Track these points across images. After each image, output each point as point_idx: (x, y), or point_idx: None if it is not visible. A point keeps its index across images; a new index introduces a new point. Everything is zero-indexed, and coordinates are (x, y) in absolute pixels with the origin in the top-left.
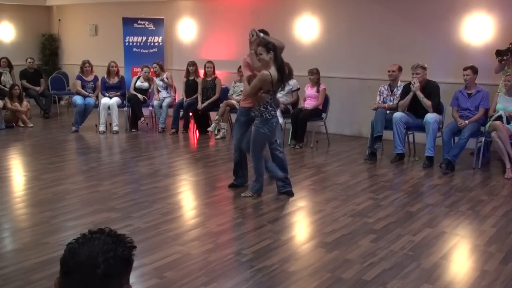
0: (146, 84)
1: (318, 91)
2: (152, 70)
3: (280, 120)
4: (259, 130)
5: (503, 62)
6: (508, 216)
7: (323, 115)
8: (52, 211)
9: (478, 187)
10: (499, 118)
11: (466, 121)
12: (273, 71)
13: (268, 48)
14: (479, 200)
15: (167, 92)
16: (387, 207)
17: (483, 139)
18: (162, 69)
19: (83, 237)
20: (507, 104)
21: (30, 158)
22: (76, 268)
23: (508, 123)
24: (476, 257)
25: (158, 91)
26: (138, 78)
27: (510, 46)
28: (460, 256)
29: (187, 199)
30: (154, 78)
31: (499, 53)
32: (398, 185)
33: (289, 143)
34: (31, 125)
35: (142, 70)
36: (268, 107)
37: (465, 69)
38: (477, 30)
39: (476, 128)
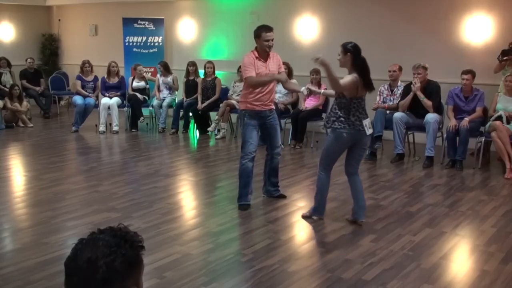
0: (142, 83)
1: None
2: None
3: (369, 131)
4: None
5: (503, 62)
6: (508, 216)
7: (323, 115)
8: (52, 211)
9: (478, 187)
10: (499, 118)
11: (466, 118)
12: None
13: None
14: (479, 200)
15: (169, 93)
16: (387, 207)
17: (483, 139)
18: (167, 70)
19: (90, 236)
20: (507, 104)
21: (30, 158)
22: (75, 271)
23: (508, 123)
24: (476, 257)
25: (159, 90)
26: (133, 79)
27: (511, 46)
28: (460, 256)
29: (187, 199)
30: (158, 76)
31: (505, 52)
32: (398, 185)
33: (289, 143)
34: (31, 125)
35: (135, 69)
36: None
37: (465, 73)
38: (477, 30)
39: (476, 126)
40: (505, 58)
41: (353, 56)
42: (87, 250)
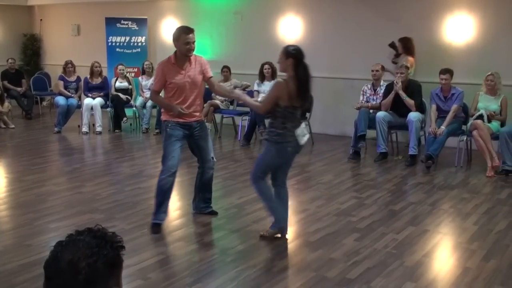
0: (125, 84)
1: None
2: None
3: (304, 139)
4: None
5: (395, 57)
6: (490, 213)
7: (307, 114)
8: (35, 213)
9: (460, 185)
10: (480, 117)
11: (442, 127)
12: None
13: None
14: (461, 198)
15: None
16: (370, 206)
17: (465, 138)
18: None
19: (68, 239)
20: (488, 103)
21: (11, 159)
22: (57, 274)
23: (489, 122)
24: (459, 254)
25: (143, 91)
26: (116, 79)
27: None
28: (443, 253)
29: (172, 199)
30: (140, 78)
31: (392, 45)
32: (382, 184)
33: None
34: (13, 126)
35: (117, 68)
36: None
37: (443, 72)
38: (459, 30)
39: (456, 125)
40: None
41: (295, 61)
42: (68, 252)
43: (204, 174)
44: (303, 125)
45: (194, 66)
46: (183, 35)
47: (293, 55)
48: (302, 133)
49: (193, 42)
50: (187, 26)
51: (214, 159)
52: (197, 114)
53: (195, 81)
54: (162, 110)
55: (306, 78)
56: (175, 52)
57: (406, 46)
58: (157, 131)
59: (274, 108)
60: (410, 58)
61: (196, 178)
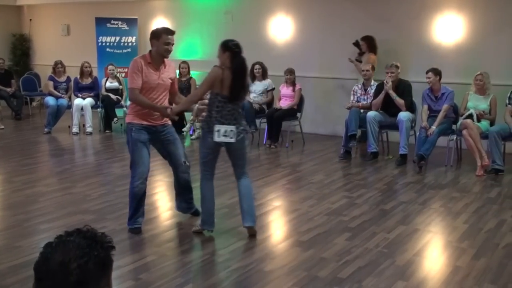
0: (116, 84)
1: (294, 90)
2: (120, 70)
3: (219, 138)
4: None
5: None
6: (479, 212)
7: (298, 114)
8: (25, 214)
9: (450, 185)
10: (470, 116)
11: (433, 127)
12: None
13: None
14: (451, 197)
15: None
16: (361, 205)
17: (455, 137)
18: None
19: (58, 240)
20: (478, 103)
21: (1, 160)
22: (48, 275)
23: (478, 121)
24: (449, 253)
25: None
26: (107, 79)
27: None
28: (433, 252)
29: (162, 200)
30: None
31: (356, 44)
32: (372, 183)
33: (264, 143)
34: (2, 127)
35: (107, 68)
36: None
37: (426, 72)
38: (448, 30)
39: (447, 125)
40: (359, 52)
41: (232, 54)
42: (58, 253)
43: (179, 178)
44: (233, 127)
45: (167, 69)
46: (165, 35)
47: (230, 48)
48: (223, 133)
49: (173, 44)
50: (169, 28)
51: (187, 163)
52: (164, 118)
53: (166, 84)
54: (129, 111)
55: (242, 71)
56: (150, 52)
57: (370, 44)
58: None
59: (208, 95)
60: (373, 56)
61: (174, 179)
